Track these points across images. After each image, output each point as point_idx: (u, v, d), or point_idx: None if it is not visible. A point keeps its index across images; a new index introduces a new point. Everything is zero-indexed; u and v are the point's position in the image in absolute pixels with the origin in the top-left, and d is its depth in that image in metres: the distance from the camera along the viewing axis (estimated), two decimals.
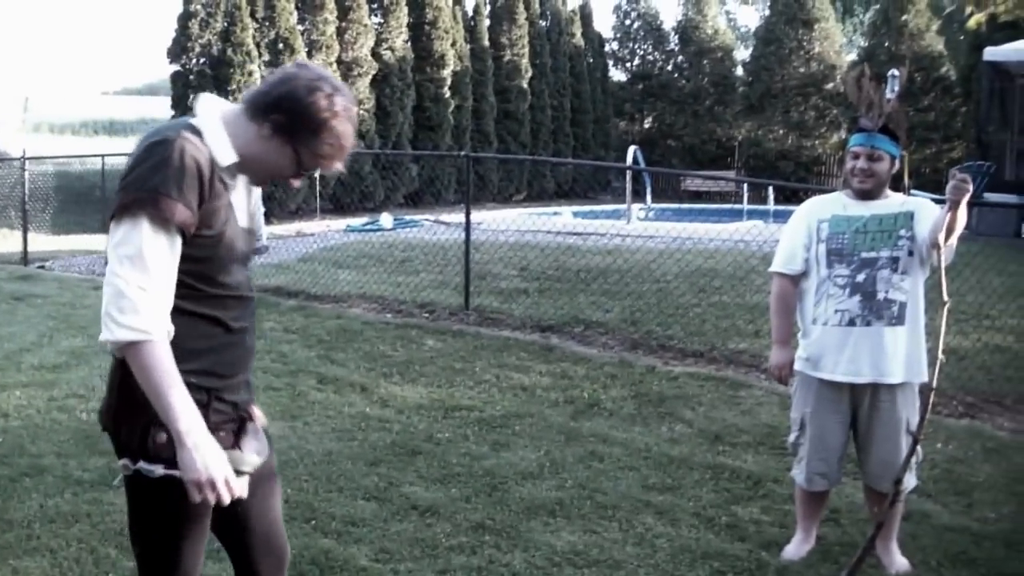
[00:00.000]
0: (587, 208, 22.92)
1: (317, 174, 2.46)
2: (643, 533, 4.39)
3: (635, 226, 14.54)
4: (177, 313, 2.25)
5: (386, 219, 17.15)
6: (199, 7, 19.49)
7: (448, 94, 24.03)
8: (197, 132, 2.29)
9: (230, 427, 2.45)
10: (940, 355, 3.63)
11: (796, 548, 4.23)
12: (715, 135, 32.69)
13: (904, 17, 28.65)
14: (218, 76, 19.06)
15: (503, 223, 12.01)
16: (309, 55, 20.23)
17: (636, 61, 34.72)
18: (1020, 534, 4.51)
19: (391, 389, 6.62)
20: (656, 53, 34.35)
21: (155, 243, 2.18)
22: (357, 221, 18.06)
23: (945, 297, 3.75)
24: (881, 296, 3.92)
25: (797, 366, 4.16)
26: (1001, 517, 4.72)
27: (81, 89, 35.67)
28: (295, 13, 20.82)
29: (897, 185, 4.20)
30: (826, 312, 4.00)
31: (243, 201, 2.43)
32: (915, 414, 4.04)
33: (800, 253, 4.10)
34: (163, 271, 2.20)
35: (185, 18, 19.53)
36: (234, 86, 18.74)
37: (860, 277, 3.94)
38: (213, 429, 2.30)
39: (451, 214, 16.17)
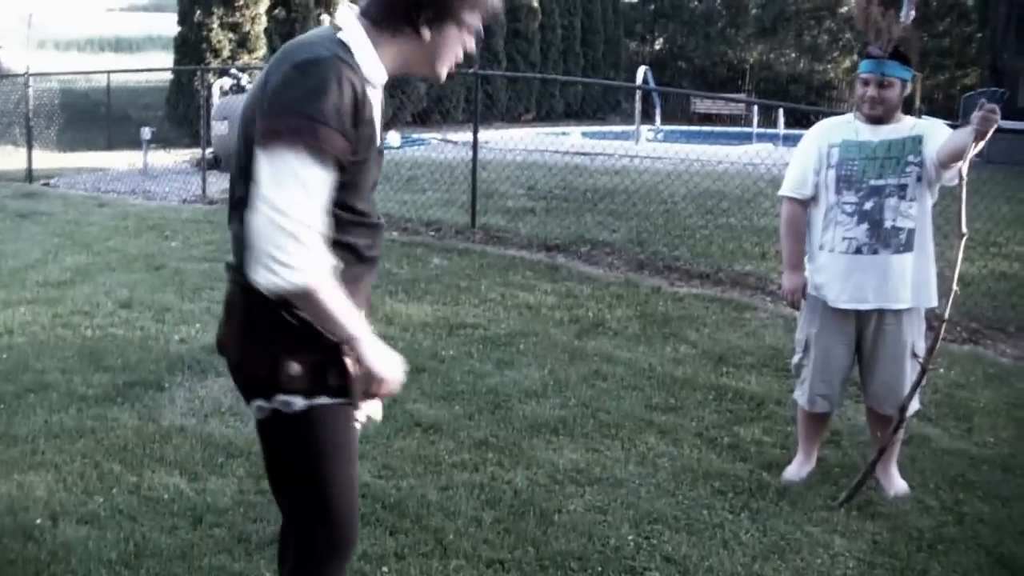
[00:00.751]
0: (596, 129, 22.75)
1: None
2: (645, 452, 4.43)
3: (643, 147, 14.45)
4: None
5: (393, 137, 17.03)
6: None
7: None
8: (348, 49, 2.11)
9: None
10: (955, 287, 3.62)
11: (797, 469, 4.26)
12: (726, 58, 32.34)
13: None
14: None
15: (511, 142, 11.92)
16: None
17: None
18: (1017, 458, 4.55)
19: (396, 307, 6.64)
20: None
21: (314, 174, 2.01)
22: None
23: (964, 228, 3.73)
24: (888, 224, 3.89)
25: (808, 290, 4.16)
26: (1000, 442, 4.76)
27: (86, 5, 35.14)
28: None
29: (909, 108, 4.15)
30: (833, 239, 3.99)
31: (379, 118, 2.27)
32: (920, 339, 4.04)
33: (811, 177, 4.06)
34: (322, 204, 2.03)
35: None
36: (241, 2, 18.41)
37: (868, 205, 3.91)
38: (346, 368, 2.21)
39: (459, 133, 16.05)
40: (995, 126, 3.54)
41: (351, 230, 2.20)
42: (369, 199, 2.27)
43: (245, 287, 2.11)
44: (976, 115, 3.53)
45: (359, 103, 2.07)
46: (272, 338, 2.14)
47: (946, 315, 3.76)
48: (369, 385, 2.20)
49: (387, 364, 2.19)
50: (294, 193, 1.98)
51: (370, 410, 2.36)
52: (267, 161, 2.00)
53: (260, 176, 2.00)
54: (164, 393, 4.96)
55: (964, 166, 3.67)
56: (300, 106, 2.00)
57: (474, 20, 2.22)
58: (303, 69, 2.04)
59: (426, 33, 2.17)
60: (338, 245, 2.15)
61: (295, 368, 2.14)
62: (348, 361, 2.18)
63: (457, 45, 2.24)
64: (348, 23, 2.15)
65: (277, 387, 2.16)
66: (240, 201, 2.13)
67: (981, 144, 3.61)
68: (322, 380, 2.18)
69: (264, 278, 1.98)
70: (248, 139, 2.12)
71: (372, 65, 2.14)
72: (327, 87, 2.01)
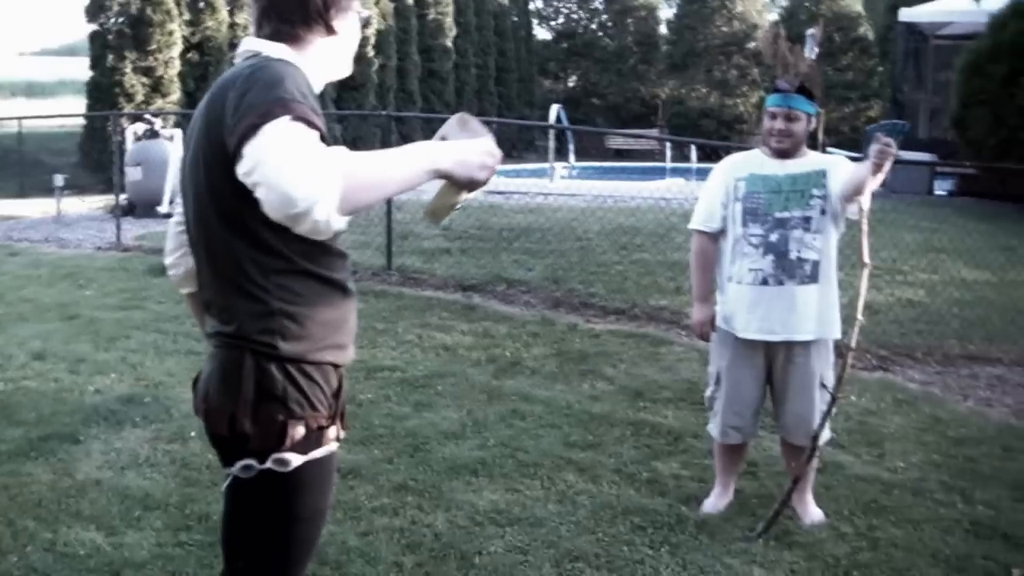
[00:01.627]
0: (511, 167, 22.84)
1: None
2: (564, 490, 4.43)
3: (558, 184, 14.58)
4: (303, 277, 2.06)
5: None
6: None
7: (372, 53, 23.71)
8: (280, 58, 2.08)
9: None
10: (859, 316, 3.70)
11: (715, 502, 4.30)
12: (639, 94, 32.84)
13: None
14: (137, 36, 18.55)
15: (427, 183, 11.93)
16: (231, 14, 19.78)
17: (560, 19, 34.70)
18: (927, 482, 4.66)
19: None
20: (580, 12, 34.35)
21: (304, 132, 1.88)
22: None
23: (866, 259, 3.83)
24: (793, 256, 3.98)
25: (716, 321, 4.22)
26: (910, 466, 4.86)
27: None
28: None
29: (813, 143, 4.25)
30: (740, 271, 4.06)
31: None
32: (829, 369, 4.12)
33: (718, 211, 4.14)
34: (315, 143, 1.89)
35: None
36: (154, 46, 18.27)
37: (773, 237, 3.99)
38: (342, 421, 2.18)
39: None
40: (892, 159, 3.65)
41: (331, 261, 2.14)
42: None
43: (255, 352, 2.05)
44: (873, 148, 3.64)
45: (312, 91, 2.05)
46: (283, 402, 2.06)
47: (853, 344, 3.85)
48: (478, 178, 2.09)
49: (473, 154, 2.07)
50: (292, 138, 1.86)
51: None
52: (255, 146, 1.87)
53: (257, 159, 1.86)
54: (79, 446, 4.84)
55: (864, 200, 3.77)
56: (266, 96, 1.92)
57: (359, 5, 2.26)
58: (252, 75, 1.99)
59: (339, 27, 2.19)
60: (325, 281, 2.12)
61: (300, 431, 2.08)
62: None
63: (355, 35, 2.27)
64: (264, 46, 2.13)
65: (278, 448, 2.08)
66: (209, 258, 2.10)
67: (880, 177, 3.72)
68: (319, 438, 2.12)
69: (313, 223, 1.83)
70: (199, 191, 2.08)
71: (307, 71, 2.11)
72: (284, 76, 1.98)
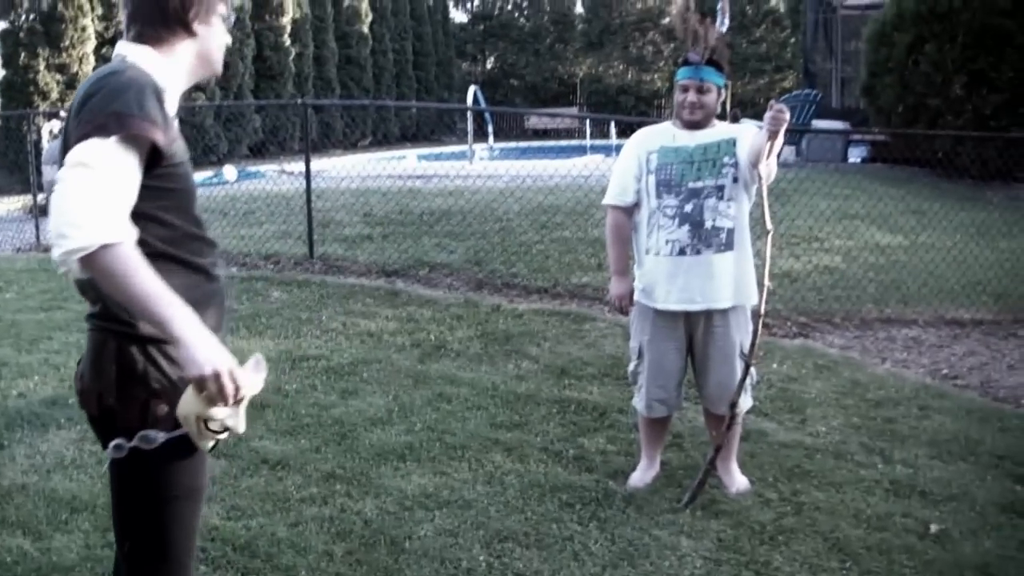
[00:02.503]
0: (432, 150, 22.83)
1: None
2: (492, 471, 4.44)
3: (477, 166, 14.56)
4: (160, 258, 2.07)
5: (229, 171, 16.71)
6: None
7: (288, 42, 23.48)
8: (137, 65, 2.17)
9: None
10: (767, 282, 3.76)
11: (641, 475, 4.35)
12: (557, 73, 32.94)
13: None
14: (50, 32, 18.17)
15: (347, 169, 11.87)
16: None
17: (476, 2, 34.59)
18: (847, 445, 4.76)
19: (237, 344, 6.48)
20: None
21: (121, 155, 1.98)
22: (200, 175, 17.56)
23: (768, 225, 3.89)
24: (709, 224, 4.02)
25: (635, 296, 4.26)
26: (831, 430, 4.96)
27: None
28: None
29: (722, 114, 4.31)
30: (657, 243, 4.09)
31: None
32: (748, 337, 4.18)
33: (631, 185, 4.17)
34: (126, 180, 1.99)
35: None
36: (67, 42, 17.93)
37: (688, 207, 4.03)
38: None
39: (295, 163, 15.85)
40: (784, 124, 3.72)
41: (194, 245, 2.22)
42: (200, 215, 2.27)
43: (117, 333, 2.13)
44: (767, 115, 3.71)
45: (161, 100, 2.12)
46: (144, 381, 2.13)
47: (762, 310, 3.91)
48: (198, 389, 2.00)
49: (207, 359, 1.96)
50: (92, 167, 1.93)
51: (230, 420, 2.09)
52: (75, 151, 1.95)
53: (66, 162, 1.95)
54: (3, 451, 4.73)
55: (763, 167, 3.83)
56: (104, 107, 2.01)
57: (224, 9, 2.32)
58: (99, 82, 2.09)
59: (200, 29, 2.25)
60: (185, 264, 2.17)
61: (163, 409, 2.13)
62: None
63: (221, 36, 2.33)
64: (129, 49, 2.23)
65: (143, 427, 2.13)
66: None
67: (780, 142, 3.79)
68: None
69: (57, 252, 1.89)
70: None
71: (161, 76, 2.20)
72: (127, 85, 2.06)
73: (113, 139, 1.97)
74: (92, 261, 1.90)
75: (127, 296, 1.96)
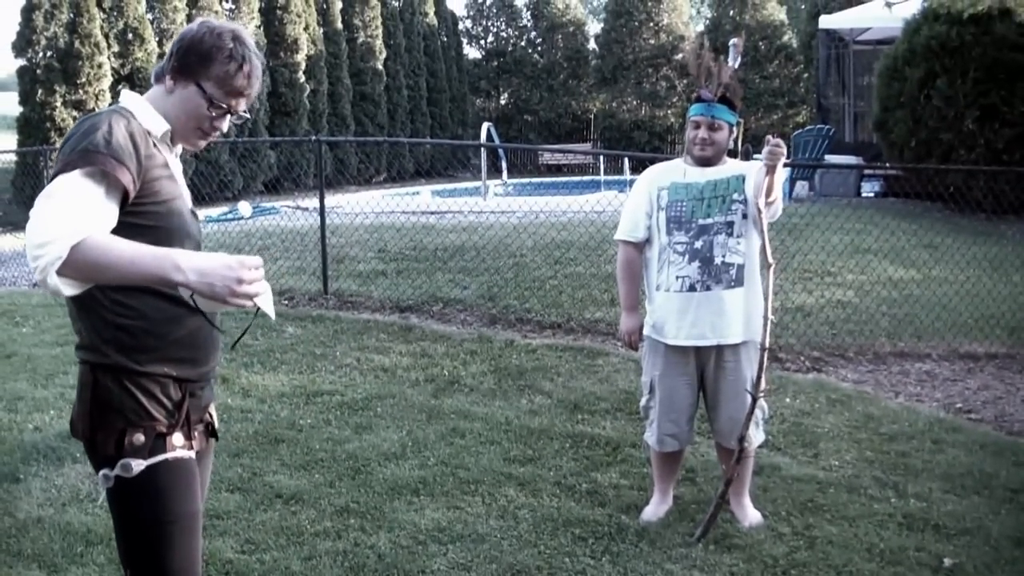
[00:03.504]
0: (446, 186, 22.91)
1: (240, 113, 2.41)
2: (505, 505, 4.46)
3: (491, 202, 14.62)
4: (141, 293, 2.21)
5: (244, 207, 16.80)
6: None
7: (303, 79, 23.66)
8: (126, 112, 2.29)
9: (201, 428, 2.44)
10: (770, 315, 3.78)
11: (654, 509, 4.35)
12: (570, 108, 33.06)
13: None
14: (66, 69, 18.37)
15: (361, 205, 11.93)
16: (160, 45, 19.62)
17: (490, 38, 34.80)
18: (861, 478, 4.75)
19: (252, 379, 6.54)
20: (509, 29, 34.47)
21: (84, 186, 2.07)
22: (215, 211, 17.69)
23: (770, 259, 3.92)
24: (719, 260, 4.06)
25: (645, 331, 4.29)
26: (844, 464, 4.96)
27: None
28: (143, 2, 20.11)
29: (733, 153, 4.36)
30: (668, 279, 4.13)
31: (179, 175, 2.41)
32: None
33: (643, 221, 4.21)
34: (91, 206, 2.06)
35: (29, 10, 18.72)
36: (83, 79, 18.10)
37: (698, 243, 4.07)
38: (188, 430, 2.33)
39: (310, 199, 15.94)
40: (782, 159, 3.76)
41: None
42: (190, 249, 2.28)
43: (93, 364, 2.24)
44: (765, 150, 3.75)
45: (137, 144, 2.19)
46: (120, 411, 2.23)
47: (766, 343, 3.93)
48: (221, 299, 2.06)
49: (214, 269, 2.03)
50: (56, 197, 2.03)
51: (264, 304, 2.14)
52: (44, 191, 2.07)
53: (37, 201, 2.07)
54: (20, 484, 4.77)
55: (760, 200, 3.87)
56: (74, 147, 2.12)
57: (215, 92, 2.35)
58: (79, 126, 2.19)
59: (168, 83, 2.35)
60: (168, 298, 2.25)
61: (139, 438, 2.24)
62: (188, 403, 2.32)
63: (198, 111, 2.36)
64: (126, 95, 2.36)
65: (120, 456, 2.25)
66: None
67: (781, 176, 3.84)
68: (162, 445, 2.28)
69: (36, 276, 1.98)
70: None
71: (150, 118, 2.31)
72: (98, 127, 2.16)
73: (76, 173, 2.07)
74: (69, 266, 1.98)
75: (118, 274, 2.04)
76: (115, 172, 2.11)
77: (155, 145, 2.28)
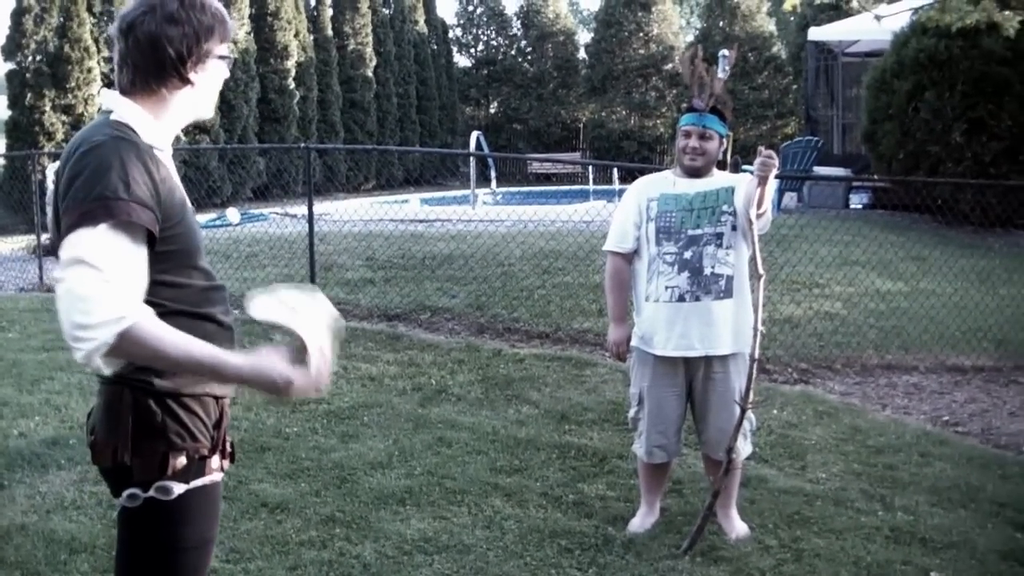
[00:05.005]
0: (435, 195, 22.89)
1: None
2: (492, 516, 4.44)
3: (480, 211, 14.62)
4: (176, 316, 2.10)
5: (232, 214, 16.77)
6: (33, 2, 18.63)
7: (293, 85, 23.64)
8: (124, 126, 2.13)
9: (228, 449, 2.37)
10: (760, 326, 3.78)
11: (641, 521, 4.34)
12: (560, 118, 33.08)
13: None
14: (56, 74, 18.33)
15: (350, 213, 11.91)
16: None
17: (480, 47, 34.79)
18: (848, 491, 4.75)
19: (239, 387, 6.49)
20: (499, 38, 34.46)
21: (114, 241, 1.97)
22: (204, 217, 17.64)
23: (760, 270, 3.92)
24: (708, 271, 4.05)
25: (633, 342, 4.28)
26: (831, 476, 4.96)
27: None
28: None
29: (722, 165, 4.36)
30: (657, 289, 4.12)
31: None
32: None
33: (631, 231, 4.21)
34: (126, 265, 1.98)
35: (19, 14, 18.67)
36: (73, 83, 18.08)
37: (687, 254, 4.06)
38: (223, 451, 2.27)
39: (299, 206, 15.92)
40: (773, 170, 3.77)
41: (204, 296, 2.22)
42: (205, 261, 2.27)
43: (134, 386, 2.11)
44: (756, 161, 3.76)
45: (150, 169, 2.08)
46: (163, 434, 2.12)
47: (756, 354, 3.93)
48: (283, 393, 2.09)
49: (277, 372, 2.06)
50: (90, 259, 1.93)
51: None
52: (68, 246, 1.96)
53: (61, 259, 1.96)
54: (3, 491, 4.74)
55: (752, 211, 3.88)
56: (91, 191, 1.99)
57: (224, 50, 2.28)
58: (83, 158, 2.05)
59: (195, 78, 2.22)
60: (196, 316, 2.17)
61: (182, 461, 2.14)
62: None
63: (220, 76, 2.30)
64: (116, 103, 2.18)
65: (160, 478, 2.14)
66: None
67: (771, 187, 3.84)
68: (201, 468, 2.20)
69: (78, 355, 1.92)
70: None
71: (152, 131, 2.17)
72: (110, 165, 2.01)
73: (103, 226, 1.96)
74: (116, 351, 1.92)
75: (165, 365, 2.00)
76: (141, 220, 2.00)
77: (157, 159, 2.15)
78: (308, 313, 2.17)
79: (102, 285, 1.91)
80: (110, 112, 2.17)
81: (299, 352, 2.12)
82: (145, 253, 2.04)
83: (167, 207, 2.10)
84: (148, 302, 2.03)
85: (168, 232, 2.10)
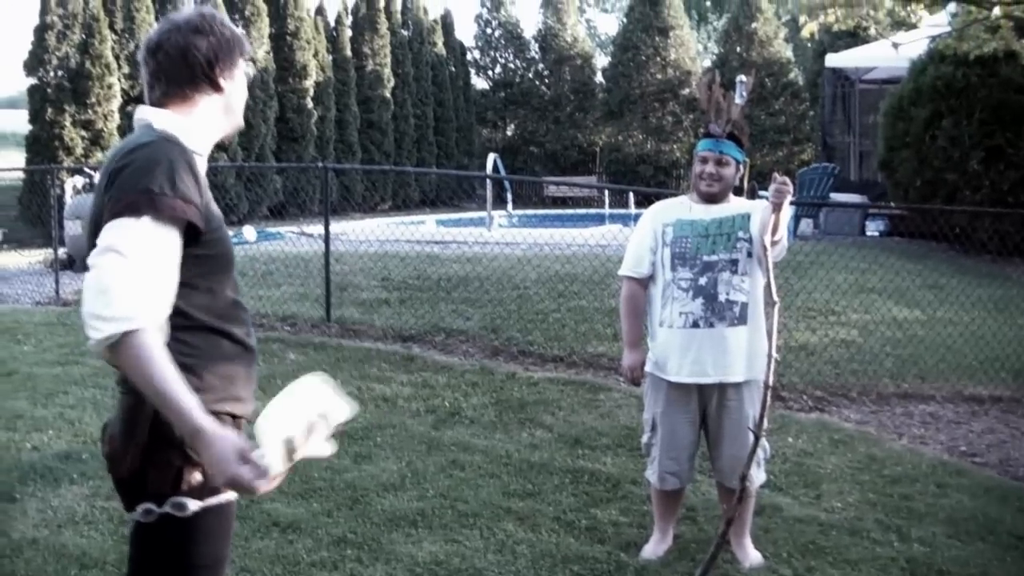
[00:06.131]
0: (451, 216, 22.94)
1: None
2: (504, 540, 4.42)
3: (496, 233, 14.63)
4: (202, 331, 2.14)
5: (248, 232, 16.85)
6: (56, 19, 18.84)
7: (311, 105, 23.77)
8: (174, 139, 2.18)
9: None
10: (774, 354, 3.76)
11: (654, 548, 4.32)
12: (576, 141, 33.09)
13: (753, 25, 29.58)
14: (77, 89, 18.52)
15: (366, 233, 11.94)
16: None
17: (497, 69, 34.88)
18: (863, 521, 4.71)
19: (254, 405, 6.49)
20: (517, 61, 34.56)
21: (153, 236, 2.01)
22: None
23: (775, 297, 3.89)
24: (722, 298, 4.04)
25: (647, 367, 4.26)
26: (846, 506, 4.92)
27: None
28: (155, 25, 20.24)
29: (739, 191, 4.34)
30: (671, 315, 4.11)
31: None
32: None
33: (647, 256, 4.20)
34: (158, 263, 2.01)
35: (41, 30, 18.89)
36: (93, 99, 18.29)
37: (702, 280, 4.05)
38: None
39: (314, 225, 15.96)
40: (788, 197, 3.75)
41: (231, 314, 2.24)
42: (236, 275, 2.30)
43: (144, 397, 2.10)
44: (771, 188, 3.74)
45: (195, 172, 2.13)
46: (179, 448, 2.10)
47: (770, 381, 3.90)
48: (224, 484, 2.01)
49: (221, 462, 1.96)
50: (125, 250, 1.96)
51: (313, 450, 2.15)
52: (106, 233, 2.00)
53: (98, 245, 1.99)
54: (15, 504, 4.75)
55: (766, 238, 3.85)
56: (137, 184, 2.03)
57: (246, 65, 2.37)
58: (133, 154, 2.10)
59: (226, 84, 2.28)
60: (222, 335, 2.20)
61: (197, 477, 2.13)
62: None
63: (244, 89, 2.37)
64: (153, 115, 2.23)
65: (174, 493, 2.14)
66: None
67: (786, 214, 3.82)
68: (217, 486, 2.15)
69: (91, 341, 1.94)
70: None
71: (192, 137, 2.22)
72: (156, 160, 2.07)
73: (146, 219, 2.00)
74: (115, 349, 1.94)
75: (143, 383, 1.97)
76: (186, 215, 2.05)
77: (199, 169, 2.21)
78: (286, 406, 2.09)
79: (127, 279, 1.94)
80: (150, 123, 2.22)
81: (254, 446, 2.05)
82: (179, 255, 2.08)
83: (208, 211, 2.15)
84: (178, 308, 2.06)
85: (209, 236, 2.15)
